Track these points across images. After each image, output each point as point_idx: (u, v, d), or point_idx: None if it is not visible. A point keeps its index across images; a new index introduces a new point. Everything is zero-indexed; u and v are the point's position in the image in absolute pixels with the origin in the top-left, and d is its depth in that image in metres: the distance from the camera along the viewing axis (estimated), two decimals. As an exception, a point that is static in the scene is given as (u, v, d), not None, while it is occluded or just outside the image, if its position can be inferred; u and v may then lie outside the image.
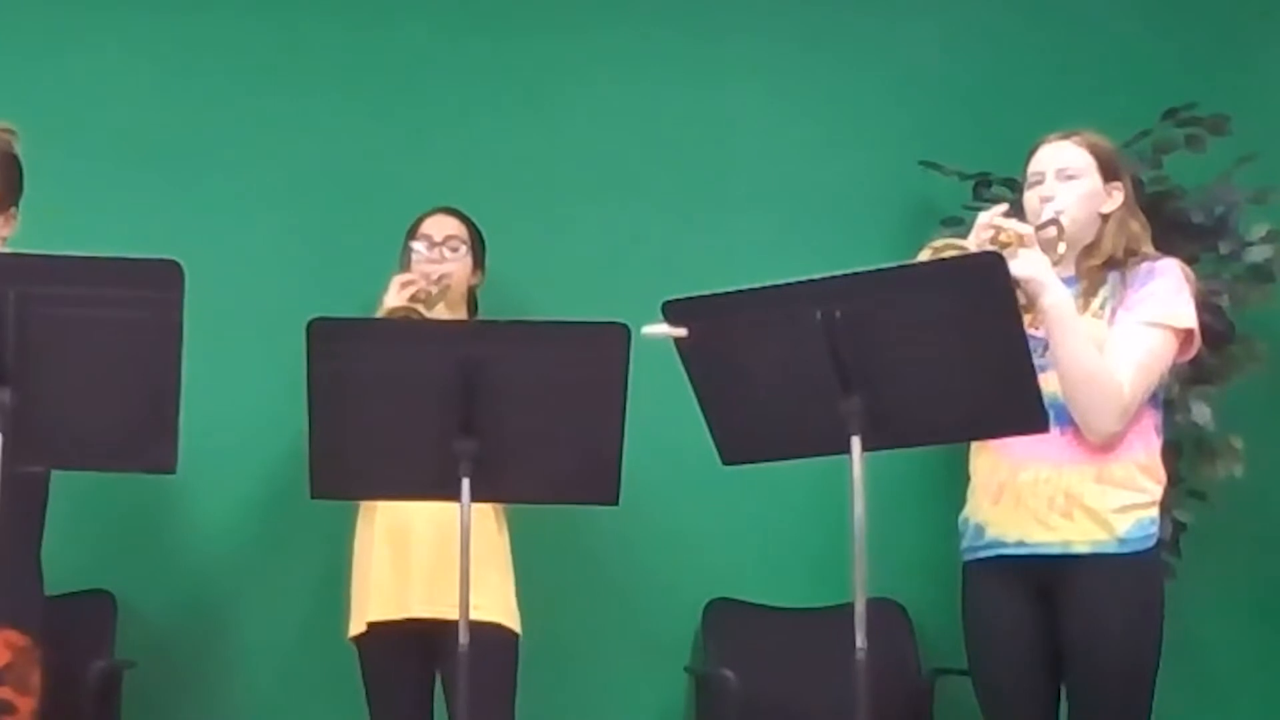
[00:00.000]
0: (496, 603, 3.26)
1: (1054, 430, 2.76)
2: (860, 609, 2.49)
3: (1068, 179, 3.01)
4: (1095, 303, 2.97)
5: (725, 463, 2.73)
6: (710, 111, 4.16)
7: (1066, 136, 3.06)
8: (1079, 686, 2.92)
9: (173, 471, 2.45)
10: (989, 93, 4.21)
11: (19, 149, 2.83)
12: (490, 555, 3.26)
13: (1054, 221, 2.93)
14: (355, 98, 4.01)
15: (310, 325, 2.54)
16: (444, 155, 3.98)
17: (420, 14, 4.08)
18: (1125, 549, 2.88)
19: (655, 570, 3.92)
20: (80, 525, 3.44)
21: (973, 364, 2.54)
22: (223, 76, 3.95)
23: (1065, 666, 2.92)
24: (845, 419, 2.52)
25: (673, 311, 2.59)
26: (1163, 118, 3.89)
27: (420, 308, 3.21)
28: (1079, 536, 2.88)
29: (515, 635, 3.31)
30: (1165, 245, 3.15)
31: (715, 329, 2.60)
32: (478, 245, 3.55)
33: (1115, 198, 3.04)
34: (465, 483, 2.60)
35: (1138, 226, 3.05)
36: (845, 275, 2.51)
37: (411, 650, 3.27)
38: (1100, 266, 2.99)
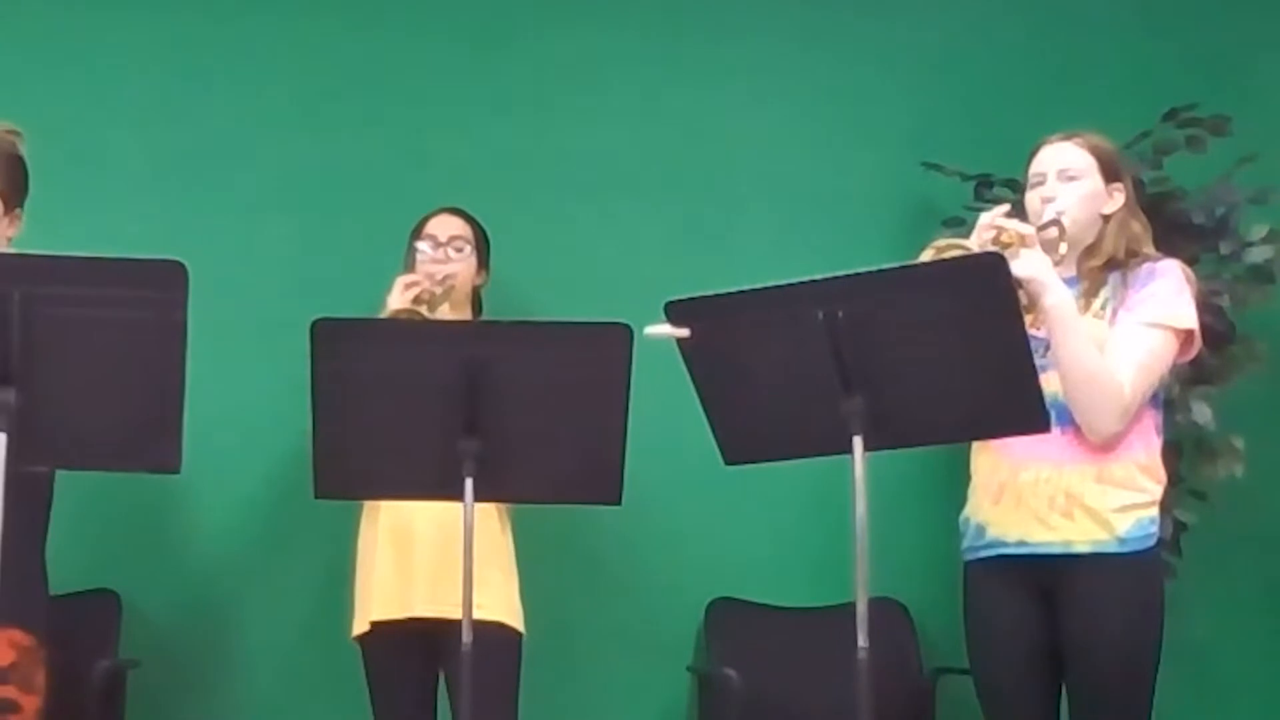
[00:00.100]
0: (499, 602, 3.25)
1: (1055, 430, 2.76)
2: (862, 608, 2.49)
3: (1069, 180, 3.02)
4: (1096, 303, 2.97)
5: (727, 463, 2.73)
6: (711, 111, 4.16)
7: (1068, 137, 3.07)
8: (1079, 686, 2.92)
9: (177, 471, 2.46)
10: (990, 93, 4.21)
11: (24, 150, 2.83)
12: (493, 555, 3.26)
13: (1055, 222, 2.93)
14: (359, 99, 4.01)
15: (314, 326, 2.55)
16: (447, 156, 3.98)
17: (422, 15, 4.07)
18: (1125, 549, 2.88)
19: (658, 570, 3.92)
20: (85, 525, 3.44)
21: (974, 364, 2.54)
22: (226, 77, 3.95)
23: (1066, 666, 2.93)
24: (847, 419, 2.52)
25: (675, 312, 2.59)
26: (1163, 118, 3.89)
27: (423, 309, 3.20)
28: (1079, 536, 2.89)
29: (518, 634, 3.31)
30: (1166, 246, 3.15)
31: (717, 329, 2.60)
32: (483, 245, 3.54)
33: (1116, 198, 3.04)
34: (469, 482, 2.60)
35: (1139, 227, 3.06)
36: (847, 275, 2.51)
37: (414, 649, 3.26)
38: (1101, 267, 3.00)
